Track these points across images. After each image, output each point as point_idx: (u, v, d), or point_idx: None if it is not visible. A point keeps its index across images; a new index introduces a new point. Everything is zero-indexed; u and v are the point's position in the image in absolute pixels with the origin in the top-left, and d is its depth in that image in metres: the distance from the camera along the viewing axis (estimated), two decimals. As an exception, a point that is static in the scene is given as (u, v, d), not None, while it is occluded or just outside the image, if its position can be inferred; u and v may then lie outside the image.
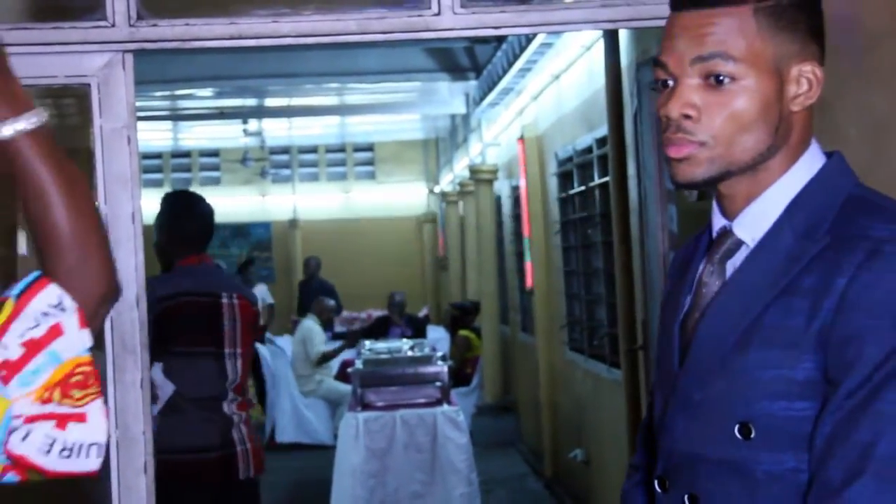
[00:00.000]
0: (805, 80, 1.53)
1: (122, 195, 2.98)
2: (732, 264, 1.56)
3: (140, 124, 3.08)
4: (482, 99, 9.80)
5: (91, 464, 1.39)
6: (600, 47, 5.79)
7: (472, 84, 10.17)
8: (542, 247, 8.76)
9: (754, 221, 1.54)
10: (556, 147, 7.98)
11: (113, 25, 2.99)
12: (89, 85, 2.98)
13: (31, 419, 1.36)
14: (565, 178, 7.83)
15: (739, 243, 1.56)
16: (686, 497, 1.54)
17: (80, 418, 1.38)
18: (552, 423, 8.36)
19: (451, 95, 11.04)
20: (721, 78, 1.50)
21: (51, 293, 1.38)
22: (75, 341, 1.39)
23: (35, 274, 1.40)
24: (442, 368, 7.01)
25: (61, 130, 5.18)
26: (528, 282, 9.05)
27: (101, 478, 3.05)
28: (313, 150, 18.50)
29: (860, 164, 2.57)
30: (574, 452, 7.29)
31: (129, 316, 2.98)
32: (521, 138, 9.01)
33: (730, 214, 1.57)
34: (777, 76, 1.52)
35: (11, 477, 1.38)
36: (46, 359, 1.38)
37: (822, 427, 1.40)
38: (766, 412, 1.45)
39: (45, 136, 1.40)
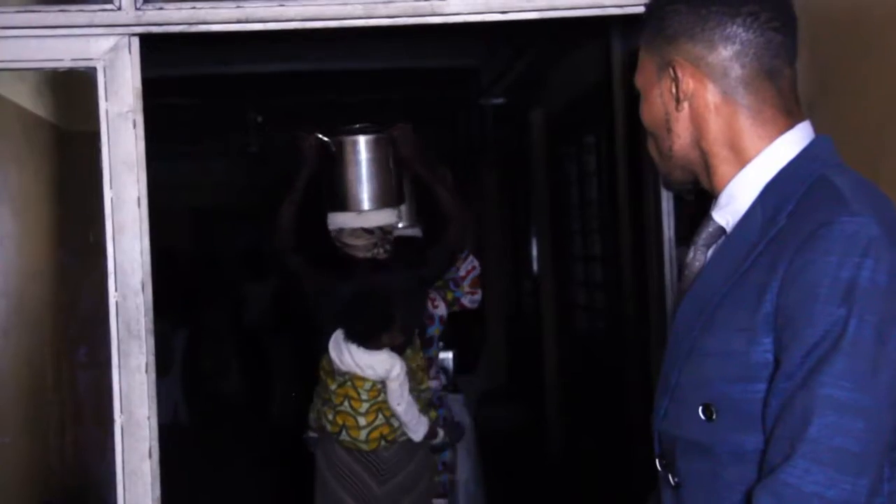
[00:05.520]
0: (669, 79, 1.59)
1: (128, 179, 2.98)
2: (714, 249, 1.60)
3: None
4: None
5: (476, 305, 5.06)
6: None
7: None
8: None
9: (728, 206, 1.57)
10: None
11: (119, 9, 2.98)
12: (95, 69, 2.98)
13: (468, 293, 4.89)
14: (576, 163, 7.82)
15: (721, 229, 1.59)
16: (670, 476, 1.58)
17: (477, 293, 4.93)
18: (558, 409, 8.37)
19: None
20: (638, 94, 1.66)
21: (471, 258, 4.90)
22: (478, 269, 4.93)
23: (466, 252, 4.76)
24: (447, 355, 7.00)
25: (67, 114, 5.17)
26: (534, 267, 9.05)
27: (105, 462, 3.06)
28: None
29: (865, 158, 2.56)
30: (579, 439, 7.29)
31: (135, 301, 2.98)
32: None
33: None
34: (658, 83, 1.60)
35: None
36: (470, 276, 4.90)
37: (770, 409, 1.43)
38: (725, 394, 1.48)
39: None
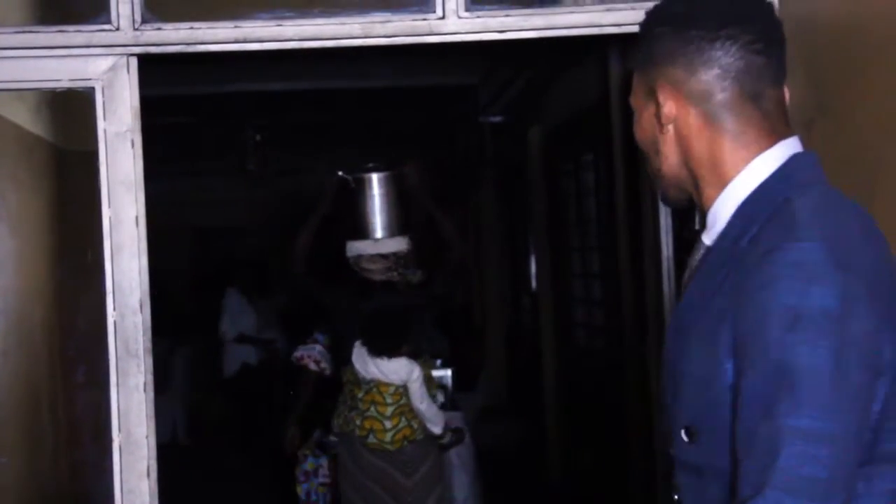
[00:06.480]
0: (653, 101, 1.60)
1: (126, 199, 2.98)
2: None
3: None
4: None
5: None
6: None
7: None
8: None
9: (713, 228, 1.57)
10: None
11: (117, 29, 2.99)
12: (93, 89, 2.98)
13: None
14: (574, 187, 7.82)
15: (709, 249, 1.59)
16: (673, 493, 1.60)
17: None
18: (558, 427, 8.36)
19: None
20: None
21: None
22: None
23: None
24: (445, 373, 6.99)
25: (66, 134, 5.18)
26: (533, 284, 9.05)
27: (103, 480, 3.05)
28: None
29: (863, 175, 2.56)
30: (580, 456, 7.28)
31: (133, 320, 2.98)
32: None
33: None
34: (647, 104, 1.62)
35: None
36: None
37: (736, 433, 1.42)
38: (701, 416, 1.49)
39: None
